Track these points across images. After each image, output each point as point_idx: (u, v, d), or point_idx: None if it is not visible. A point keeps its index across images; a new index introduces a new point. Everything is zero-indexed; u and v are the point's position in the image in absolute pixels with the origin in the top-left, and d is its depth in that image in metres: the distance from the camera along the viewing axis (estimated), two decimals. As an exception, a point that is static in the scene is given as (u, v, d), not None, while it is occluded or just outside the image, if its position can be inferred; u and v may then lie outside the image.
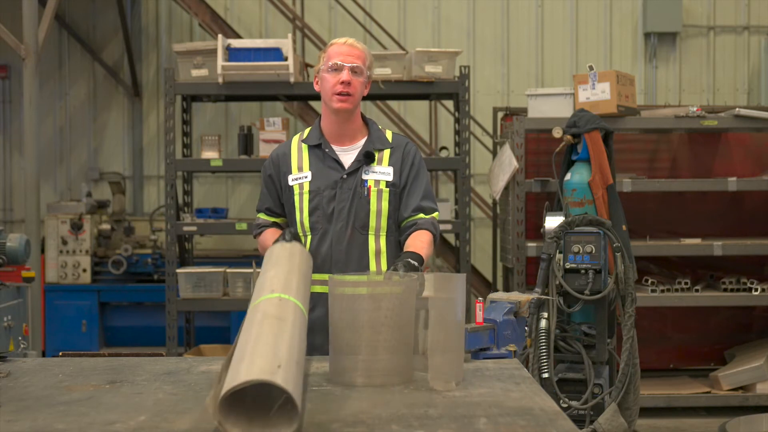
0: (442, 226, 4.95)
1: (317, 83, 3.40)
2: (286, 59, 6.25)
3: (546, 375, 4.39)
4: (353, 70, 3.29)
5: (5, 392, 2.34)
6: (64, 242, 7.73)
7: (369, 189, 3.34)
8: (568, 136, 5.42)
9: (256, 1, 9.09)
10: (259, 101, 8.58)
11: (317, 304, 3.21)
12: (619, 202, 5.33)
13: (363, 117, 3.47)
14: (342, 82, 3.28)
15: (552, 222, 5.03)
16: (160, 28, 9.17)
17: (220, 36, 6.34)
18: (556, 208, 5.48)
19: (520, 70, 9.08)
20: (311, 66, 7.13)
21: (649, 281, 6.14)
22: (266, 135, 6.38)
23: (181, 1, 8.15)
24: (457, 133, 6.54)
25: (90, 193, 8.30)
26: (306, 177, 3.38)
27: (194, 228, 6.40)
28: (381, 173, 3.37)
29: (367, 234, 3.36)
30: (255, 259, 3.84)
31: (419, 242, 3.30)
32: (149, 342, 7.42)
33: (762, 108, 6.56)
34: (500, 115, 6.93)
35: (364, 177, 3.35)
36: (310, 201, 3.36)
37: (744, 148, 6.84)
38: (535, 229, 6.15)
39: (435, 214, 3.42)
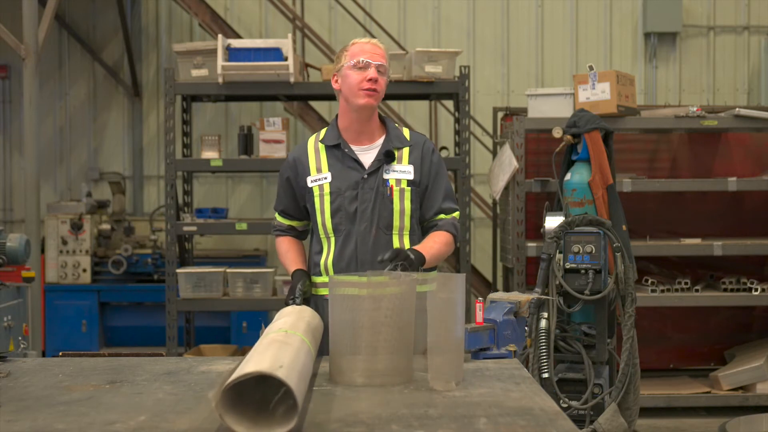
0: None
1: (336, 81, 3.37)
2: (286, 59, 6.25)
3: (546, 375, 4.38)
4: (378, 69, 3.29)
5: (5, 392, 2.34)
6: (64, 242, 7.73)
7: (391, 188, 3.33)
8: (568, 136, 5.41)
9: (256, 1, 9.09)
10: (259, 101, 8.57)
11: None
12: (619, 202, 5.32)
13: (380, 116, 3.46)
14: (370, 79, 3.26)
15: (552, 222, 5.03)
16: (160, 28, 9.16)
17: (220, 36, 6.34)
18: (556, 208, 5.47)
19: (520, 70, 9.08)
20: (311, 66, 7.14)
21: (649, 281, 6.13)
22: (266, 135, 6.37)
23: (181, 1, 8.14)
24: (457, 133, 6.54)
25: (90, 193, 8.30)
26: (326, 178, 3.36)
27: (194, 228, 6.39)
28: (402, 172, 3.35)
29: (391, 234, 3.34)
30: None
31: (431, 242, 3.32)
32: (149, 342, 7.43)
33: (762, 108, 6.55)
34: (500, 115, 6.93)
35: (385, 176, 3.34)
36: (331, 202, 3.34)
37: (744, 148, 6.83)
38: (535, 229, 6.15)
39: (456, 214, 3.43)
